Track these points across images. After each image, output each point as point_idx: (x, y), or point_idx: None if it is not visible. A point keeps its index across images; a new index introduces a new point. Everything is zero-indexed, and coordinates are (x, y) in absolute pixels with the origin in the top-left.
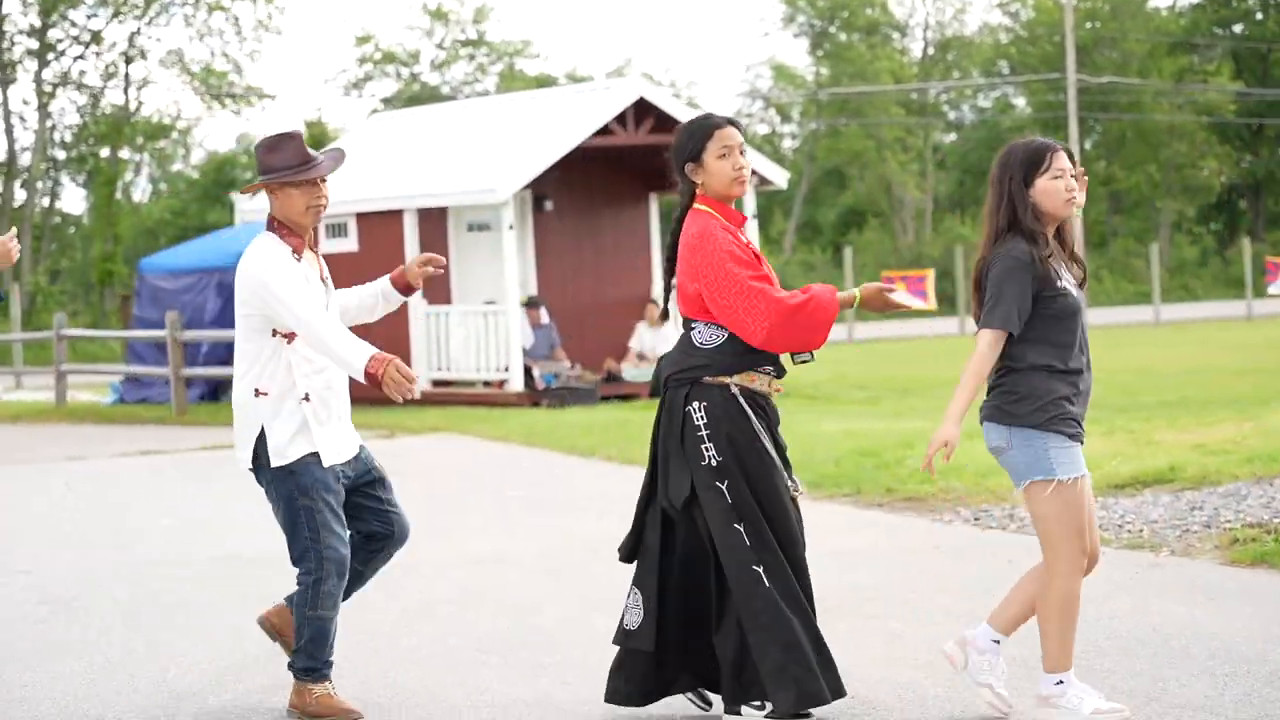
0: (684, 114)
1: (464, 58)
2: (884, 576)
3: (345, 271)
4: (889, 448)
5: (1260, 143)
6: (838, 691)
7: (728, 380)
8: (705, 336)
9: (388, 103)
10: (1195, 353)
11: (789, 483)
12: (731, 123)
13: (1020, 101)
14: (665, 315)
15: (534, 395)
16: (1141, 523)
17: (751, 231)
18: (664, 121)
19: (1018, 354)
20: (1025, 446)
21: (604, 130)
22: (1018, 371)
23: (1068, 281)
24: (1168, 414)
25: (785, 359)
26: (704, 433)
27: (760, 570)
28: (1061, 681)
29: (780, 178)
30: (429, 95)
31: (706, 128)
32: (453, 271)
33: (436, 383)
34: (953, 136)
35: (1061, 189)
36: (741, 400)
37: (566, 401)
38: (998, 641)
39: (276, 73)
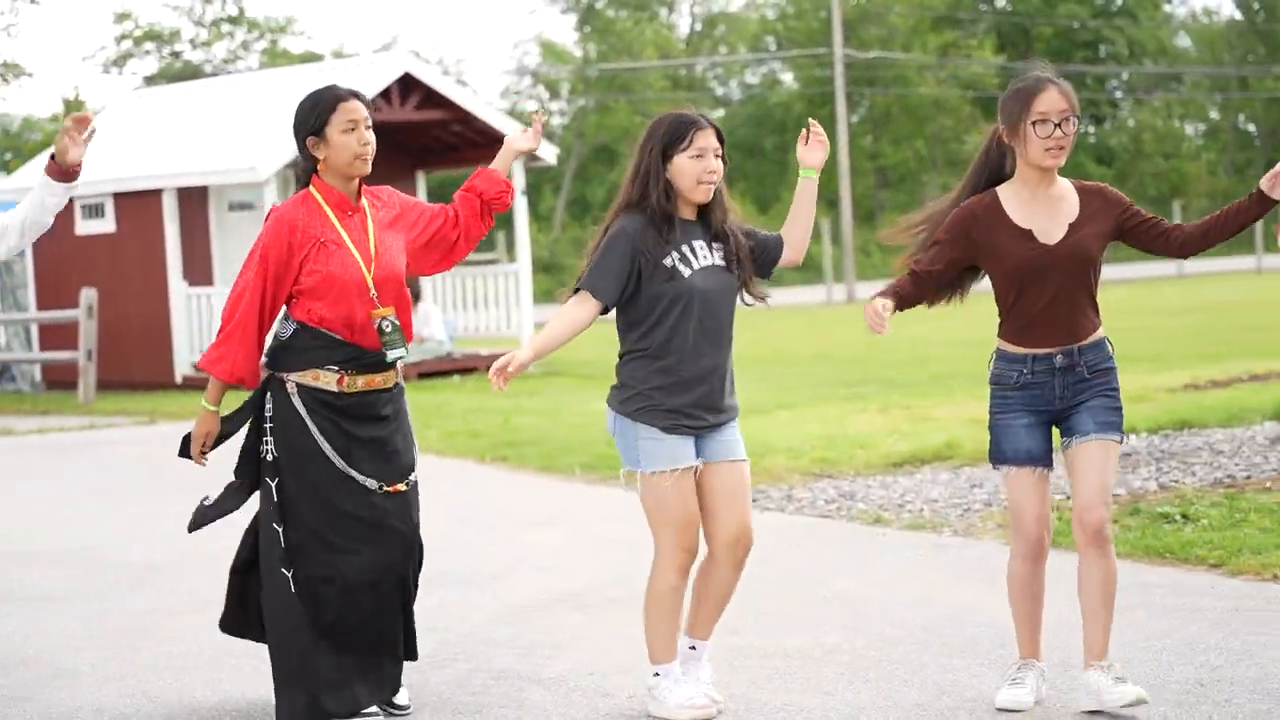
0: (451, 90)
1: (226, 35)
2: None
3: (103, 253)
4: None
5: None
6: (345, 714)
7: (286, 377)
8: (280, 328)
9: (150, 81)
10: (966, 325)
11: (365, 484)
12: (357, 96)
13: (788, 77)
14: (417, 296)
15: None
16: (922, 502)
17: (520, 210)
18: (431, 98)
19: (622, 340)
20: (621, 435)
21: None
22: (620, 358)
23: (699, 262)
24: (943, 388)
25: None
26: (268, 425)
27: (289, 575)
28: (658, 674)
29: (549, 154)
30: (191, 73)
31: (331, 99)
32: (215, 252)
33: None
34: (721, 112)
35: (700, 169)
36: (297, 400)
37: None
38: (694, 648)
39: (34, 50)
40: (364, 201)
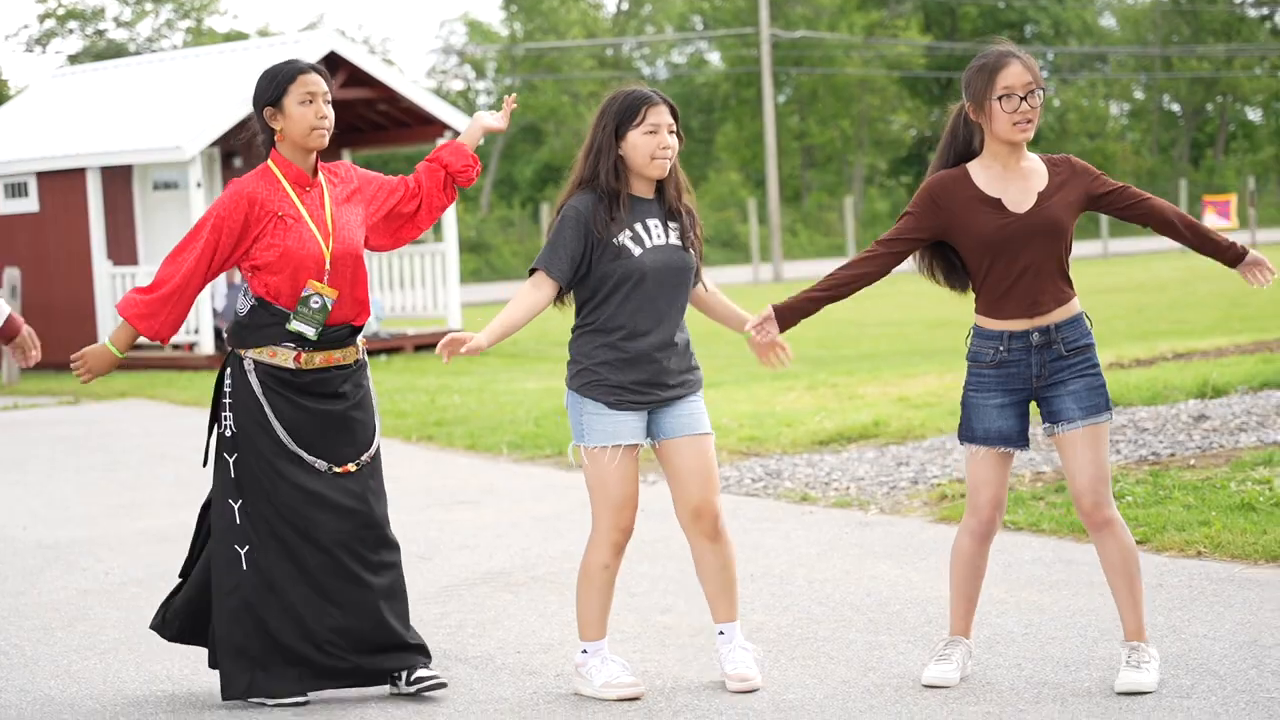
0: (377, 69)
1: (150, 14)
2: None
3: (26, 232)
4: None
5: (950, 96)
6: (288, 693)
7: (244, 354)
8: (240, 304)
9: (74, 60)
10: (892, 304)
11: (315, 464)
12: (318, 70)
13: (714, 57)
14: None
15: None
16: (848, 480)
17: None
18: (357, 77)
19: (576, 316)
20: (570, 409)
21: None
22: (572, 333)
23: (651, 240)
24: (870, 367)
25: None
26: (227, 401)
27: (242, 552)
28: (585, 650)
29: None
30: (115, 52)
31: (290, 71)
32: (139, 231)
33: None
34: None
35: (654, 145)
36: (253, 377)
37: None
38: (721, 633)
39: None
40: (321, 177)
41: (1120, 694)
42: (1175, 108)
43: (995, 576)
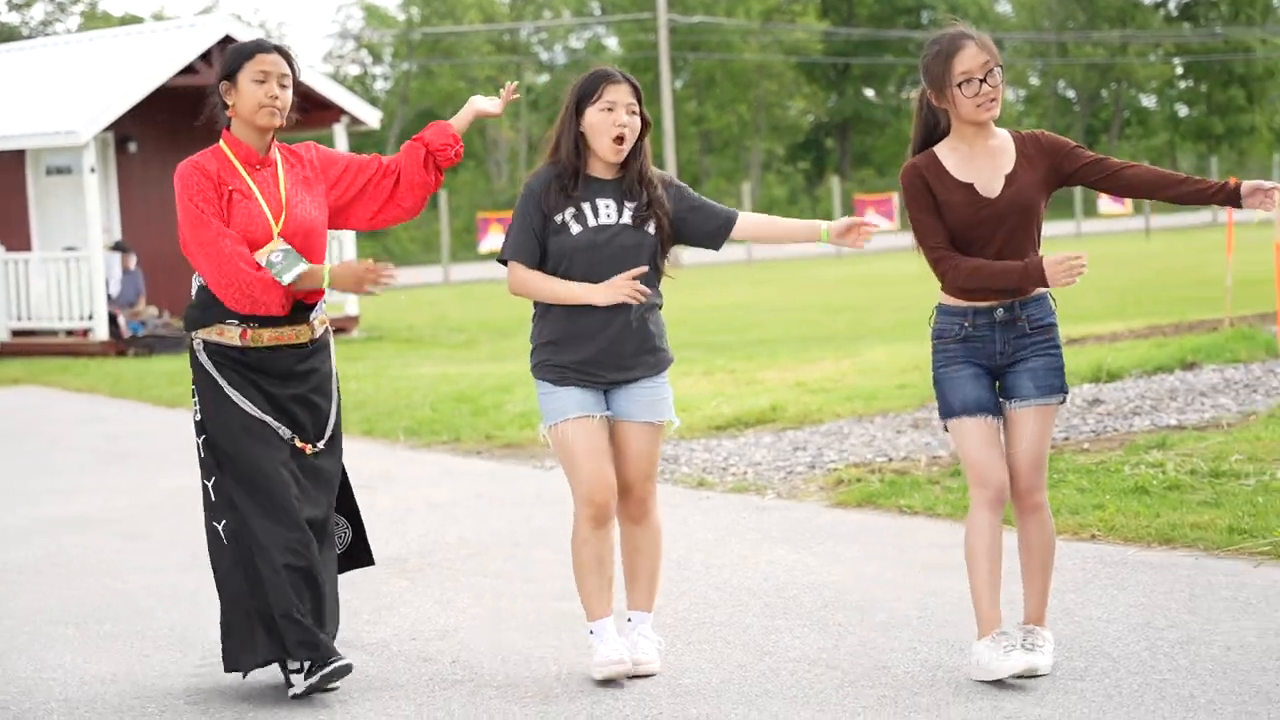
0: None
1: None
2: (485, 529)
3: None
4: (487, 392)
5: (846, 82)
6: (256, 664)
7: (194, 335)
8: (194, 286)
9: None
10: (790, 290)
11: (280, 431)
12: (281, 52)
13: (612, 42)
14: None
15: (120, 344)
16: (746, 464)
17: None
18: None
19: None
20: (537, 390)
21: (189, 70)
22: (535, 312)
23: (595, 220)
24: (767, 352)
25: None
26: (193, 388)
27: (219, 528)
28: (591, 631)
29: (372, 118)
30: (8, 35)
31: (249, 49)
32: (32, 216)
33: (16, 333)
34: (545, 78)
35: (610, 122)
36: (204, 357)
37: (154, 350)
38: (629, 620)
39: None
40: (276, 156)
41: (1015, 676)
42: (1070, 94)
43: (887, 560)
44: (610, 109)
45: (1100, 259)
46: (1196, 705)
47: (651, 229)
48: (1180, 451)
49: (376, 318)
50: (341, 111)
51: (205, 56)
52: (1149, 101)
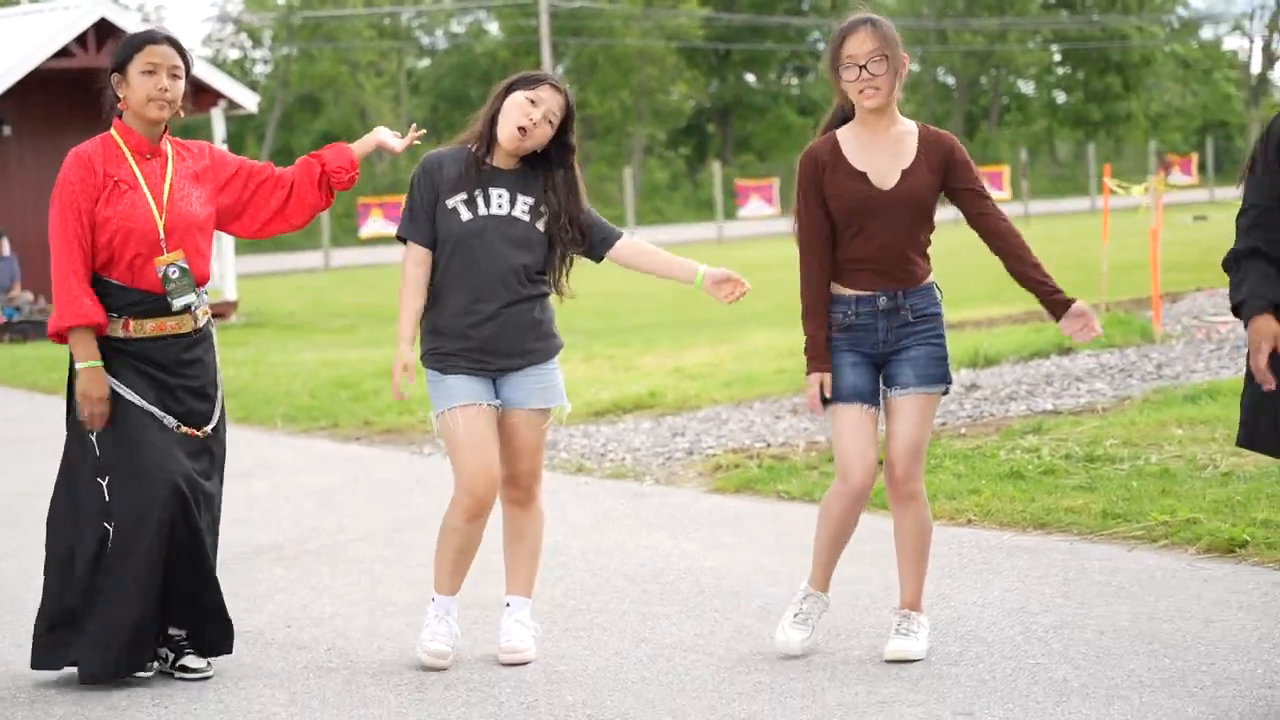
0: None
1: None
2: (364, 515)
3: None
4: (366, 378)
5: (728, 67)
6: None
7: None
8: None
9: None
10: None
11: (163, 420)
12: (172, 43)
13: (493, 27)
14: None
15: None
16: (624, 450)
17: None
18: None
19: None
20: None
21: (64, 53)
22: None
23: (487, 209)
24: (646, 338)
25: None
26: (70, 376)
27: (110, 528)
28: (433, 599)
29: (250, 102)
30: None
31: (139, 39)
32: None
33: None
34: (426, 62)
35: (523, 111)
36: None
37: (28, 336)
38: (508, 605)
39: None
40: (168, 148)
41: (889, 661)
42: (950, 80)
43: (764, 546)
44: (533, 103)
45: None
46: (1070, 689)
47: (542, 226)
48: (1055, 436)
49: (256, 303)
50: (219, 95)
51: (81, 40)
52: (1027, 88)
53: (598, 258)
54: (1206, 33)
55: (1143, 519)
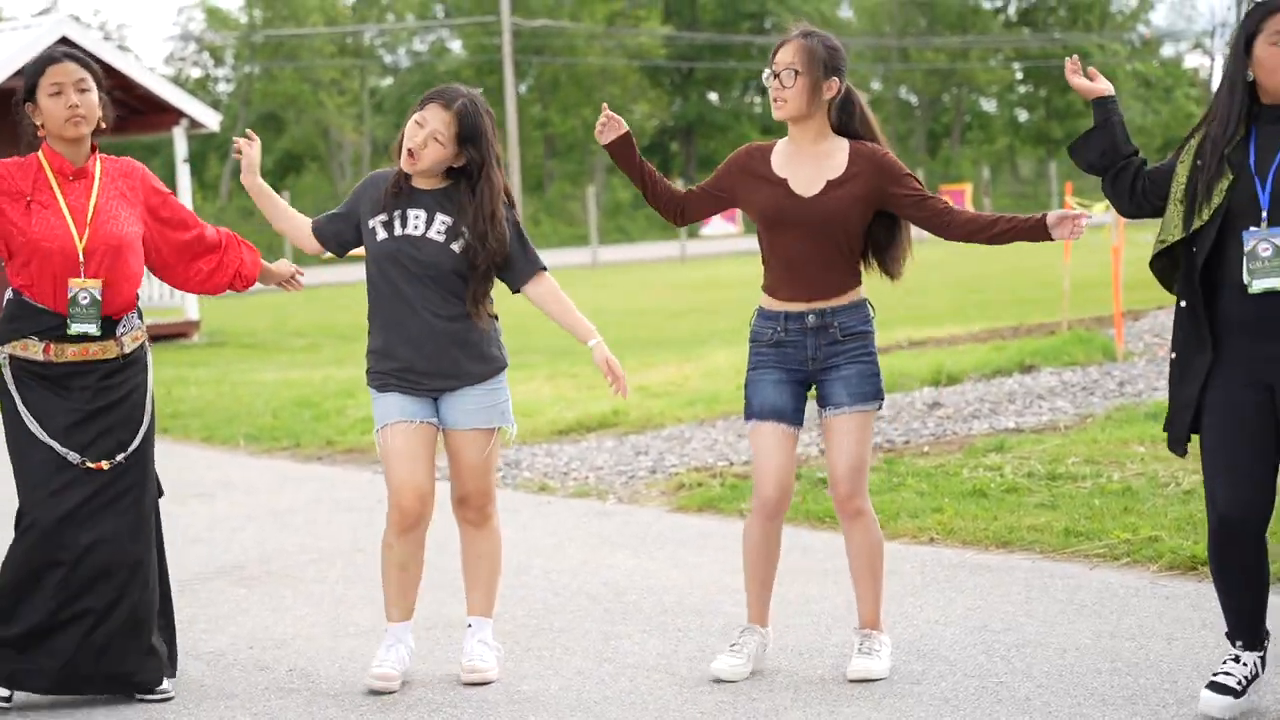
0: (112, 56)
1: None
2: (326, 535)
3: None
4: (329, 397)
5: (690, 86)
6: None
7: (1, 349)
8: (4, 299)
9: None
10: (634, 294)
11: (67, 457)
12: (72, 58)
13: (456, 45)
14: None
15: None
16: (587, 469)
17: (184, 177)
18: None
19: None
20: None
21: (22, 73)
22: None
23: (403, 230)
24: None
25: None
26: None
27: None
28: (386, 629)
29: (212, 120)
30: None
31: (37, 65)
32: None
33: None
34: (389, 80)
35: (408, 134)
36: (6, 372)
37: None
38: (470, 625)
39: None
40: (96, 169)
41: (852, 681)
42: (912, 99)
43: (727, 565)
44: (419, 125)
45: (942, 260)
46: (1033, 708)
47: (458, 247)
48: (1018, 454)
49: (218, 322)
50: (181, 114)
51: None
52: (989, 106)
53: (514, 289)
54: (1168, 50)
55: (1105, 537)
